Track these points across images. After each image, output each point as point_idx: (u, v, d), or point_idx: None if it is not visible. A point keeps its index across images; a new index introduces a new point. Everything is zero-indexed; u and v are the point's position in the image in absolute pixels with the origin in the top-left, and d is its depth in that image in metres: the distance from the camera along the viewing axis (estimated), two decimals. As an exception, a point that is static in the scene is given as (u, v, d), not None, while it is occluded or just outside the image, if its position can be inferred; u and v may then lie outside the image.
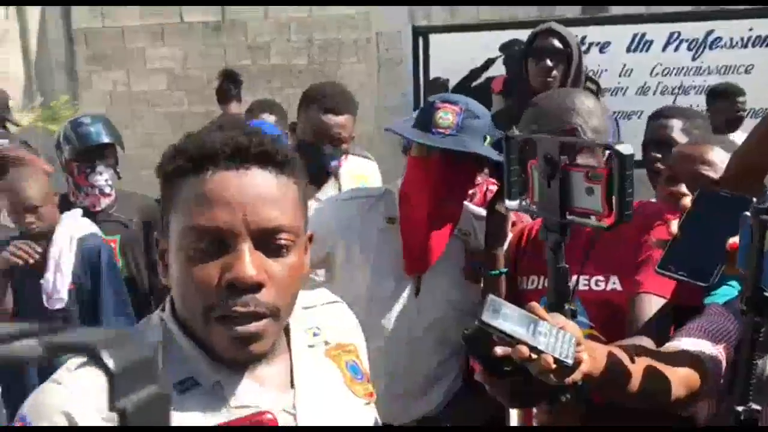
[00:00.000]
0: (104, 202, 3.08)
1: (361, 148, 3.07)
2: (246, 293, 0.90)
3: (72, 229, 2.82)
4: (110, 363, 0.40)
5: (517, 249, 1.85)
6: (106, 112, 5.18)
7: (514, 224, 2.28)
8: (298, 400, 1.00)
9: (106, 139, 3.08)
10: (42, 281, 2.73)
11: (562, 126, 1.62)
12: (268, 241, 0.92)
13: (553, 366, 0.99)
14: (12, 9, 6.58)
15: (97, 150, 3.07)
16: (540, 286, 1.72)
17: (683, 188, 1.79)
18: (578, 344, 1.05)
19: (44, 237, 2.78)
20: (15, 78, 6.53)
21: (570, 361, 1.00)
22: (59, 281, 2.74)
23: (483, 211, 1.98)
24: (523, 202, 1.30)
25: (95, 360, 0.40)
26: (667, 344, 1.40)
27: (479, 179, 2.28)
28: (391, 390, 1.91)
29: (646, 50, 5.44)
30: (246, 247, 0.90)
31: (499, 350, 1.01)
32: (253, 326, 0.91)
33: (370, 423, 1.09)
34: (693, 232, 1.16)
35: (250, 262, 0.90)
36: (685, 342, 1.38)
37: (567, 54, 3.02)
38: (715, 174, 1.74)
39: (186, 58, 6.55)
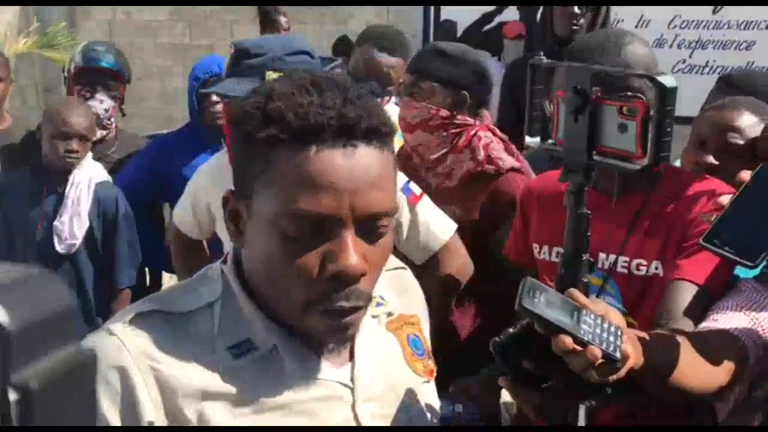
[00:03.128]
0: (100, 133, 2.93)
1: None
2: (349, 285, 0.85)
3: (91, 172, 2.70)
4: (4, 318, 0.25)
5: (529, 210, 1.72)
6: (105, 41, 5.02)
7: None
8: (357, 374, 0.95)
9: (108, 65, 2.97)
10: (56, 223, 2.62)
11: (626, 89, 1.44)
12: (369, 226, 0.86)
13: (600, 360, 0.89)
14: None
15: (100, 76, 2.96)
16: (555, 258, 1.61)
17: (710, 159, 1.69)
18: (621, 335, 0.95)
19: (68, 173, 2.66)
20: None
21: (618, 355, 0.90)
22: (76, 225, 2.63)
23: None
24: (546, 141, 1.18)
25: None
26: (702, 324, 1.30)
27: (470, 120, 2.14)
28: None
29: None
30: (349, 236, 0.84)
31: (527, 365, 0.94)
32: (353, 317, 0.88)
33: (430, 402, 1.03)
34: (747, 208, 1.06)
35: (354, 253, 0.84)
36: (722, 321, 1.28)
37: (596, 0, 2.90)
38: (742, 140, 1.67)
39: (189, -11, 6.33)
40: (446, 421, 1.29)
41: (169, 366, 0.86)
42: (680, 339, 1.17)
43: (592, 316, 0.92)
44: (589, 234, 1.15)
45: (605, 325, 0.92)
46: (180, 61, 5.98)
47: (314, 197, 0.82)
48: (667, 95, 0.99)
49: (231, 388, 0.88)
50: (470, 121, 2.13)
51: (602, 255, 1.50)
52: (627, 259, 1.49)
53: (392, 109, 2.76)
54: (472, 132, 2.12)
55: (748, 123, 1.69)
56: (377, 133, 0.86)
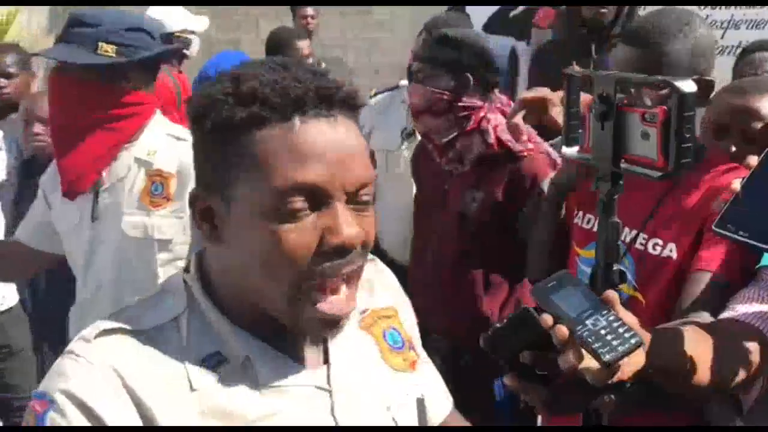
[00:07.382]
0: None
1: None
2: (348, 254, 0.85)
3: None
4: None
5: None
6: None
7: None
8: (333, 376, 0.94)
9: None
10: None
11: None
12: (355, 197, 0.87)
13: (573, 360, 0.88)
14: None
15: None
16: (586, 225, 1.64)
17: (733, 148, 1.63)
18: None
19: (13, 110, 2.88)
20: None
21: (607, 358, 0.87)
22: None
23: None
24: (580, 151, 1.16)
25: None
26: (721, 315, 1.29)
27: (479, 102, 2.15)
28: None
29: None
30: (343, 207, 0.85)
31: (528, 355, 0.92)
32: (343, 297, 0.87)
33: (408, 394, 1.01)
34: (758, 192, 1.04)
35: (352, 223, 0.85)
36: (741, 311, 1.27)
37: None
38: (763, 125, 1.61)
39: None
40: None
41: (141, 383, 0.84)
42: (693, 334, 1.16)
43: (611, 318, 0.90)
44: (619, 243, 1.14)
45: (620, 331, 0.89)
46: (206, 56, 6.02)
47: (305, 169, 0.82)
48: (685, 100, 0.97)
49: (205, 403, 0.86)
50: (477, 103, 2.16)
51: (626, 229, 1.51)
52: (646, 236, 1.50)
53: None
54: (481, 114, 2.15)
55: None
56: (352, 104, 0.88)
